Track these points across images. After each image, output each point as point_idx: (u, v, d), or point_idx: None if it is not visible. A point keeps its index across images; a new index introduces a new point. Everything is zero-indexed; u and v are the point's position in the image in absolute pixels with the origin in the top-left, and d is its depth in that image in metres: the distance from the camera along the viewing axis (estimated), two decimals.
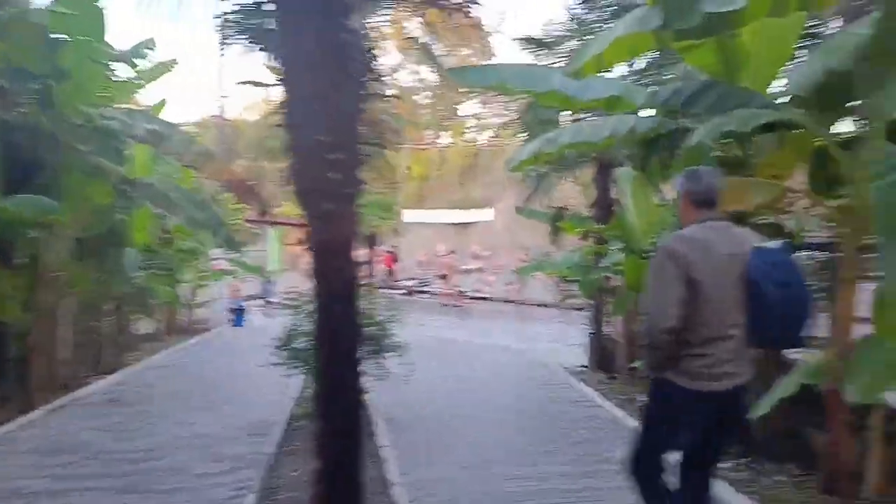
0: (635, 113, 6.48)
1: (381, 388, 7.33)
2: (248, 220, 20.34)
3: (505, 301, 23.26)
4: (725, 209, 4.71)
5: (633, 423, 5.24)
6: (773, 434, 4.95)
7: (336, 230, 3.23)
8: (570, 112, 10.28)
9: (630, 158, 8.21)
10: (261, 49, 4.95)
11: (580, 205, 12.89)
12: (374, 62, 4.19)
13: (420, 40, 7.47)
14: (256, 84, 12.00)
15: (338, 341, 3.27)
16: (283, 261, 27.76)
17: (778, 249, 2.96)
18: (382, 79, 9.05)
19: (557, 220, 10.92)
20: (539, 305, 20.51)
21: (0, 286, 7.10)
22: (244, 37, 5.19)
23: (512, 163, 7.10)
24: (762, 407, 3.96)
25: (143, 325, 13.79)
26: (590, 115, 8.87)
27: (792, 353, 5.20)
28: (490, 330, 17.19)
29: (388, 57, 42.57)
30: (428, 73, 44.14)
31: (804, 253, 5.52)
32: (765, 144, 5.21)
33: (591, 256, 9.49)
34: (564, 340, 12.92)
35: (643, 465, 2.97)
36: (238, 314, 17.47)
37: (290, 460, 5.61)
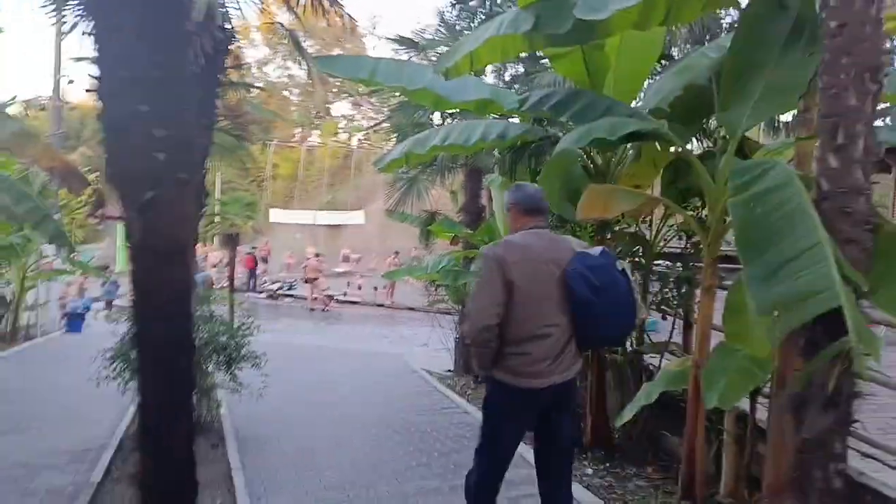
0: (505, 117, 6.46)
1: (234, 403, 6.71)
2: (91, 216, 18.30)
3: (375, 305, 22.88)
4: (589, 217, 4.76)
5: None
6: (633, 438, 5.05)
7: (161, 225, 2.65)
8: (441, 116, 10.22)
9: (499, 164, 8.24)
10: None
11: (451, 210, 12.87)
12: (225, 39, 3.67)
13: (285, 26, 6.93)
14: (86, 59, 10.78)
15: (163, 357, 2.74)
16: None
17: (598, 255, 3.08)
18: (242, 65, 8.39)
19: (428, 225, 10.77)
20: (409, 309, 20.37)
21: None
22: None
23: (381, 163, 6.81)
24: (626, 414, 3.96)
25: None
26: (459, 118, 8.85)
27: (653, 360, 5.37)
28: (359, 335, 16.74)
29: (254, 49, 40.72)
30: (298, 70, 42.85)
31: (662, 262, 5.72)
32: (626, 155, 5.34)
33: (460, 261, 9.41)
34: (433, 345, 12.81)
35: (488, 467, 3.14)
36: (73, 319, 15.56)
37: (119, 489, 4.88)
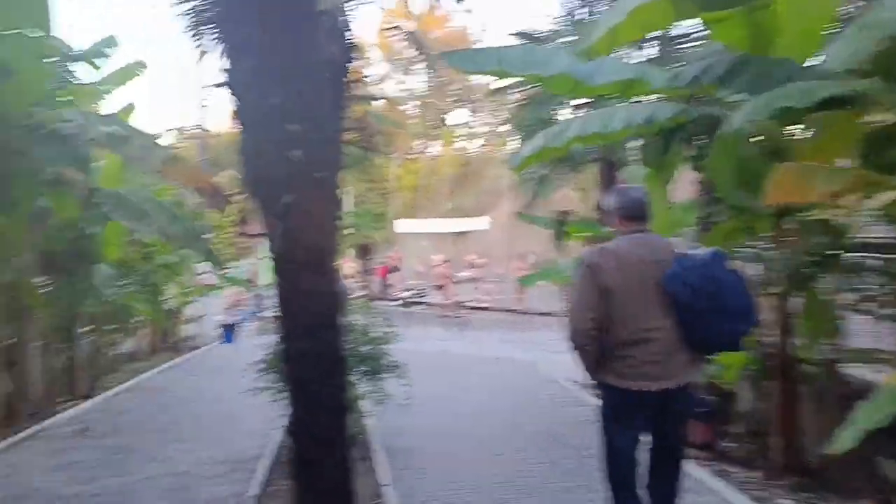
0: (652, 98, 5.87)
1: (379, 414, 6.62)
2: (240, 234, 19.61)
3: (505, 310, 22.53)
4: (779, 201, 4.08)
5: None
6: (836, 463, 4.28)
7: (302, 231, 2.45)
8: (572, 107, 9.70)
9: (644, 152, 7.59)
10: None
11: (581, 209, 12.23)
12: (352, 51, 3.46)
13: (407, 28, 6.78)
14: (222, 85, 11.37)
15: (312, 376, 2.52)
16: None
17: (705, 256, 3.00)
18: (366, 79, 8.40)
19: (562, 225, 10.24)
20: (542, 315, 19.81)
21: None
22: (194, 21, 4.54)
23: (514, 162, 6.45)
24: (844, 441, 3.27)
25: (127, 345, 13.00)
26: (589, 108, 8.29)
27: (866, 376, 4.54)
28: (491, 341, 16.46)
29: (373, 67, 42.14)
30: (416, 83, 43.77)
31: (858, 255, 4.85)
32: (813, 126, 4.56)
33: None
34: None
35: (615, 476, 3.11)
36: (228, 330, 16.67)
37: None
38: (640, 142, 8.48)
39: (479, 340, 16.68)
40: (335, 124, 2.51)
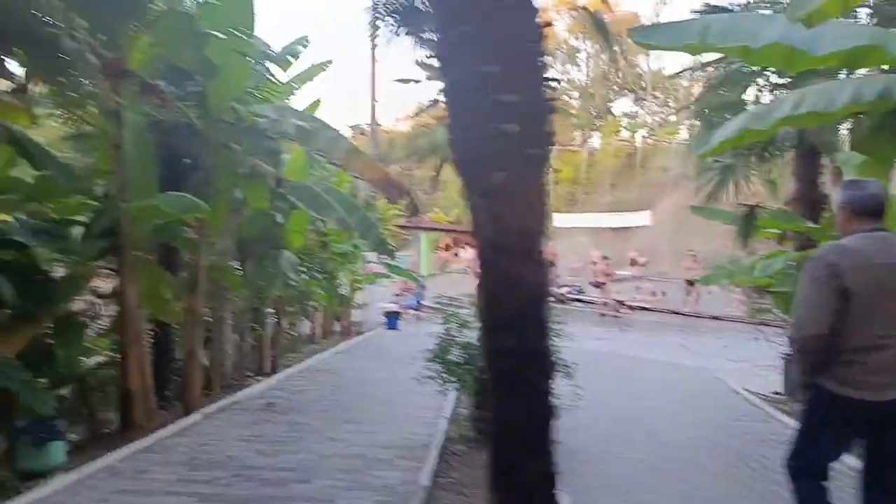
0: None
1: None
2: (399, 226, 20.36)
3: (669, 312, 21.14)
4: None
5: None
6: None
7: (510, 214, 2.24)
8: (770, 87, 8.67)
9: (857, 136, 6.52)
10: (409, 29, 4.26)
11: (769, 202, 10.96)
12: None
13: (585, 8, 6.38)
14: (407, 81, 11.57)
15: (517, 377, 2.30)
16: (434, 266, 27.72)
17: None
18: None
19: (750, 220, 9.22)
20: (713, 319, 18.30)
21: (161, 288, 7.10)
22: (393, 18, 4.53)
23: (702, 148, 5.80)
24: None
25: (303, 327, 13.99)
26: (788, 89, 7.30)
27: None
28: (656, 344, 15.47)
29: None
30: (577, 74, 42.58)
31: None
32: None
33: (799, 262, 7.77)
34: (752, 360, 11.07)
35: (802, 470, 2.96)
36: (392, 317, 17.37)
37: (447, 497, 4.81)
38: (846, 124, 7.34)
39: (644, 343, 15.74)
40: (545, 97, 2.27)
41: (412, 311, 19.46)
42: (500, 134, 2.16)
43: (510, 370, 2.31)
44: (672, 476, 5.41)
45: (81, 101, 6.28)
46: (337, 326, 16.49)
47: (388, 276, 17.31)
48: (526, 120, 2.22)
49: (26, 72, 5.92)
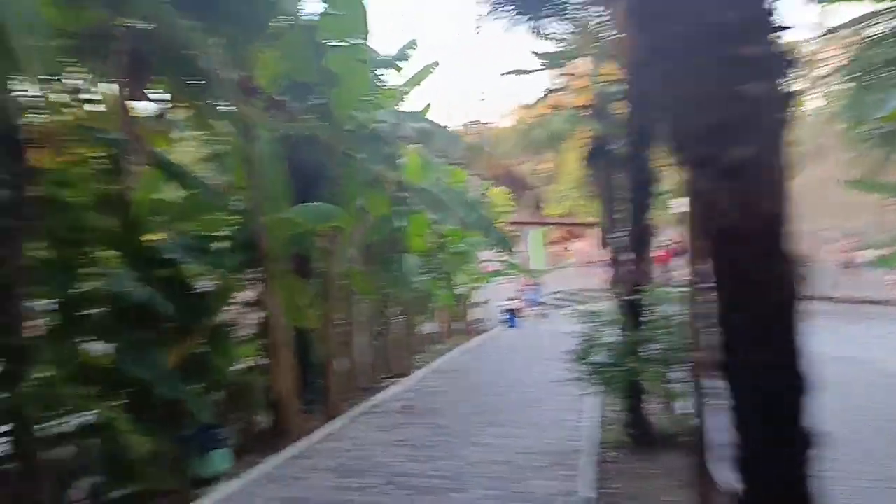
0: None
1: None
2: (509, 223, 20.08)
3: (820, 298, 19.00)
4: None
5: None
6: None
7: (752, 197, 1.86)
8: None
9: None
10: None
11: None
12: None
13: None
14: (522, 72, 11.25)
15: (767, 399, 1.89)
16: (547, 261, 27.15)
17: None
18: None
19: None
20: (870, 303, 16.35)
21: (298, 296, 7.27)
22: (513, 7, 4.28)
23: (887, 109, 5.09)
24: None
25: (426, 328, 14.06)
26: None
27: None
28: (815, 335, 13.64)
29: None
30: None
31: None
32: None
33: None
34: None
35: None
36: (511, 315, 17.13)
37: None
38: None
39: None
40: (782, 48, 1.89)
41: (532, 308, 19.10)
42: (741, 97, 1.81)
43: (761, 387, 1.92)
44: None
45: (218, 121, 6.52)
46: (458, 326, 16.48)
47: (503, 274, 17.07)
48: (766, 77, 1.85)
49: (169, 96, 6.22)
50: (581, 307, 7.28)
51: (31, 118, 4.90)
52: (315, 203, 6.64)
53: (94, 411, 4.72)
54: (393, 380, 9.83)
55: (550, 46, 8.49)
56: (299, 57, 6.47)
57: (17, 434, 4.43)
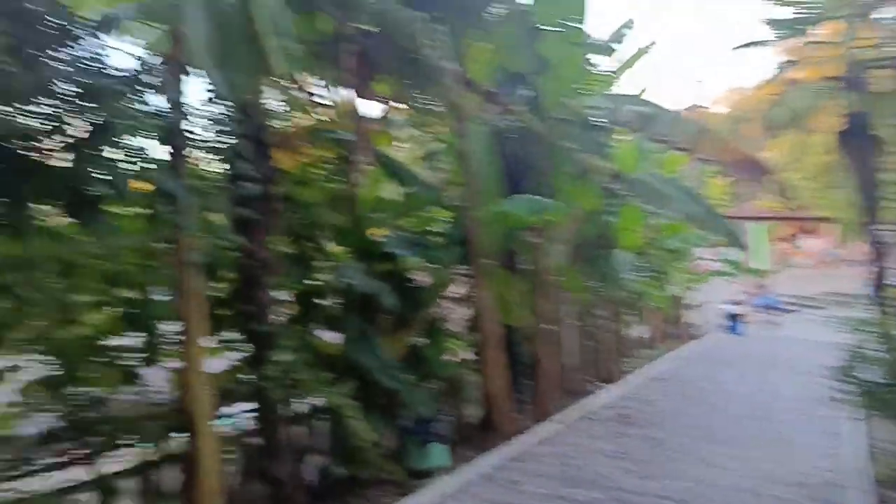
0: None
1: None
2: (731, 217, 18.17)
3: None
4: None
5: None
6: None
7: None
8: None
9: None
10: None
11: None
12: None
13: None
14: (755, 44, 9.99)
15: None
16: (771, 261, 24.24)
17: None
18: None
19: None
20: None
21: (507, 292, 7.13)
22: None
23: None
24: None
25: (635, 331, 13.23)
26: None
27: None
28: None
29: None
30: None
31: None
32: None
33: None
34: None
35: None
36: (734, 320, 15.46)
37: None
38: None
39: None
40: None
41: (761, 313, 17.12)
42: None
43: None
44: None
45: (439, 116, 6.59)
46: (670, 330, 15.30)
47: (723, 274, 15.45)
48: None
49: (390, 96, 6.43)
50: (840, 314, 6.18)
51: (276, 121, 5.33)
52: (527, 196, 6.41)
53: (324, 396, 4.97)
54: (600, 384, 9.31)
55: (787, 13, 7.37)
56: (513, 45, 6.29)
57: (261, 413, 4.85)
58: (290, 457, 4.92)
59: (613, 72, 9.30)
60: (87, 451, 4.76)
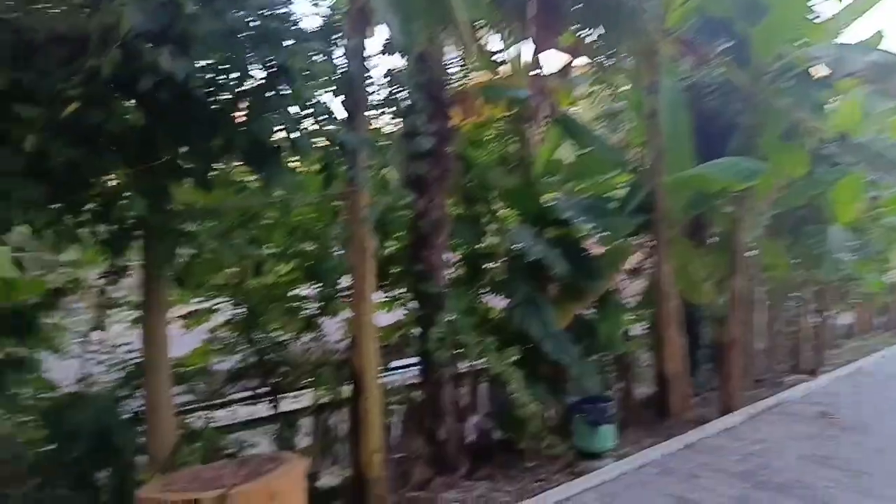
0: None
1: None
2: None
3: None
4: None
5: None
6: None
7: None
8: None
9: None
10: None
11: None
12: None
13: None
14: None
15: None
16: None
17: None
18: None
19: None
20: None
21: (692, 266, 6.44)
22: None
23: None
24: None
25: (840, 319, 11.55)
26: None
27: None
28: None
29: None
30: None
31: None
32: None
33: None
34: None
35: None
36: None
37: None
38: None
39: None
40: None
41: None
42: None
43: None
44: None
45: (627, 71, 6.02)
46: (879, 319, 13.19)
47: None
48: None
49: (574, 50, 5.97)
50: None
51: (454, 77, 5.16)
52: (729, 159, 5.66)
53: (488, 362, 4.83)
54: (797, 376, 8.22)
55: None
56: None
57: (426, 370, 4.84)
58: (452, 416, 4.88)
59: (839, 22, 7.89)
60: (270, 390, 5.16)
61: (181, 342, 4.62)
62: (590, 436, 4.91)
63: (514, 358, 4.83)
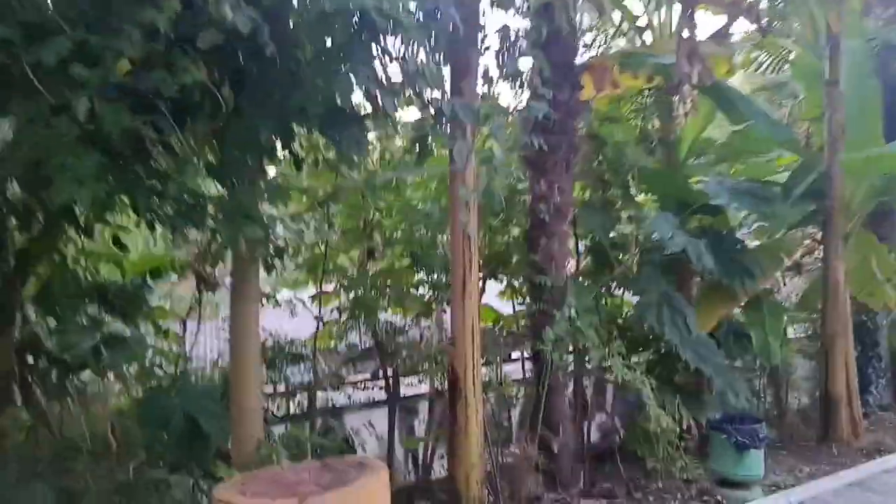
0: None
1: None
2: None
3: None
4: None
5: None
6: None
7: None
8: None
9: None
10: None
11: None
12: None
13: None
14: None
15: None
16: None
17: None
18: None
19: None
20: None
21: (872, 265, 5.37)
22: None
23: None
24: None
25: None
26: None
27: None
28: None
29: None
30: None
31: None
32: None
33: None
34: None
35: None
36: None
37: None
38: None
39: None
40: None
41: None
42: None
43: None
44: None
45: (797, 33, 5.06)
46: None
47: None
48: None
49: (734, 6, 5.08)
50: None
51: (588, 43, 4.56)
52: None
53: (614, 367, 4.23)
54: None
55: None
56: None
57: (541, 373, 4.34)
58: (569, 424, 4.38)
59: None
60: (386, 375, 4.99)
61: (304, 324, 4.58)
62: (734, 461, 4.16)
63: (644, 365, 4.21)
